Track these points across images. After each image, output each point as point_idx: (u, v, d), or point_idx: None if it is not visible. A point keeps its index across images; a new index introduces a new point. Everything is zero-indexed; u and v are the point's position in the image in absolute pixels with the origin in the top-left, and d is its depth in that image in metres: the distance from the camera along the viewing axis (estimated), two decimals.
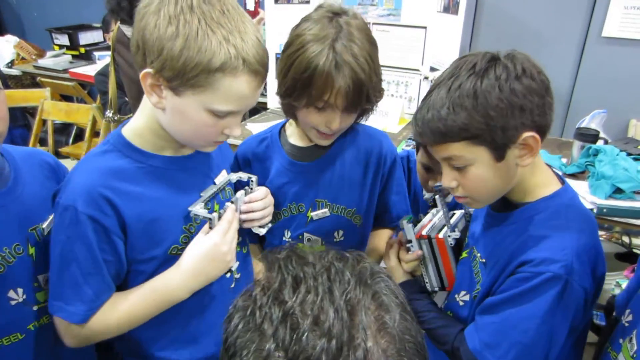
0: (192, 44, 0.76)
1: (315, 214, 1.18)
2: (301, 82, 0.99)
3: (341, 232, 1.22)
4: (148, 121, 0.90)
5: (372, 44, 1.03)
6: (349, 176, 1.17)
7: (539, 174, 0.92)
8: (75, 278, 0.84)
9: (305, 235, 1.20)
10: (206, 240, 0.92)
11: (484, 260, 0.99)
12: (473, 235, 1.07)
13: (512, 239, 0.92)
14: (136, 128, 0.91)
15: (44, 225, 0.94)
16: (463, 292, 1.05)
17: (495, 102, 0.81)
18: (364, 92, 1.01)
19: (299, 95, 1.01)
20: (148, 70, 0.80)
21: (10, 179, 0.89)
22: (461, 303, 1.05)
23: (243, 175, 1.04)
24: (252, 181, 1.04)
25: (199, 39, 0.76)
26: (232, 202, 0.99)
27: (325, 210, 1.18)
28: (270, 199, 1.07)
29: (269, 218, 1.08)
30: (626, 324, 0.90)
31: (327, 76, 0.97)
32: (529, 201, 0.92)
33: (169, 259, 0.92)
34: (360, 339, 0.43)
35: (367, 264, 0.51)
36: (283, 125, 1.22)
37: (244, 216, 1.01)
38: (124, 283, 0.93)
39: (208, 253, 0.91)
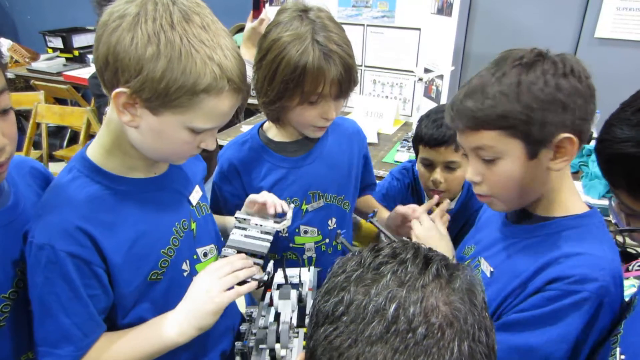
0: (175, 66, 0.72)
1: (311, 206, 1.19)
2: (293, 82, 1.01)
3: (334, 220, 1.24)
4: (115, 140, 0.84)
5: (343, 30, 1.08)
6: (337, 164, 1.21)
7: (567, 190, 0.88)
8: (59, 320, 0.79)
9: (302, 227, 1.21)
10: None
11: (492, 269, 0.94)
12: (479, 242, 1.03)
13: (536, 252, 0.86)
14: (102, 148, 0.85)
15: None
16: None
17: (539, 94, 0.78)
18: (353, 76, 1.05)
19: (291, 95, 1.03)
20: (122, 90, 0.74)
21: (11, 193, 0.85)
22: None
23: (278, 226, 1.02)
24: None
25: (183, 59, 0.72)
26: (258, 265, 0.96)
27: (320, 201, 1.20)
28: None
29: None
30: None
31: (319, 70, 0.99)
32: (556, 216, 0.87)
33: (149, 285, 0.88)
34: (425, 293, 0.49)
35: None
36: (260, 127, 1.22)
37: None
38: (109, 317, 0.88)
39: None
